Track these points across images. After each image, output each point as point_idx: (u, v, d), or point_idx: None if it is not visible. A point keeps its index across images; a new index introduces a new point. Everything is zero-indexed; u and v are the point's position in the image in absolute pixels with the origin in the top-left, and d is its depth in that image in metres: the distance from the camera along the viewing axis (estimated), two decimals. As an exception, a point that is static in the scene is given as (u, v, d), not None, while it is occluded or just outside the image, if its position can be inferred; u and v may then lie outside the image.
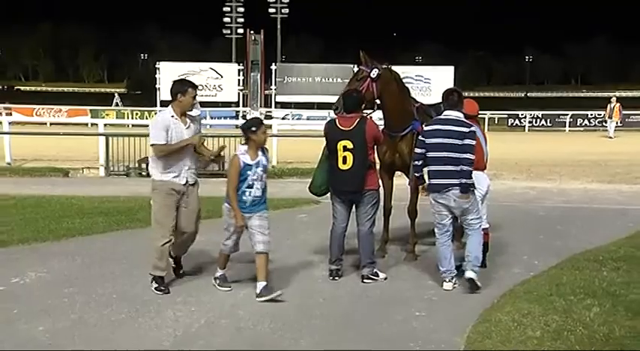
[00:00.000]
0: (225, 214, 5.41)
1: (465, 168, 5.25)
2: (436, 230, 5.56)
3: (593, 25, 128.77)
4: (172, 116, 5.30)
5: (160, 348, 4.19)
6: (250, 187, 5.21)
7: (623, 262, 6.01)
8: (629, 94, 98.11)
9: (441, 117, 5.53)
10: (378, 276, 5.69)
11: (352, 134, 5.45)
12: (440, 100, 5.72)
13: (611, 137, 26.21)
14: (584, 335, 4.21)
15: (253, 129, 5.23)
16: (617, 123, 27.26)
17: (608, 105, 27.22)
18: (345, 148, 5.46)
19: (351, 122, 5.50)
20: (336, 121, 5.61)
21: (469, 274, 5.41)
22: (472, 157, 5.29)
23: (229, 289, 5.38)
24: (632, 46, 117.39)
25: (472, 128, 5.37)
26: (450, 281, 5.46)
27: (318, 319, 4.73)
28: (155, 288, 5.31)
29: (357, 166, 5.45)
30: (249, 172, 5.18)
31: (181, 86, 5.34)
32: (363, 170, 5.48)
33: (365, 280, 5.63)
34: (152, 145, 5.32)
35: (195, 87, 5.43)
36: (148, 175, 13.26)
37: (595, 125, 32.95)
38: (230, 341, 4.31)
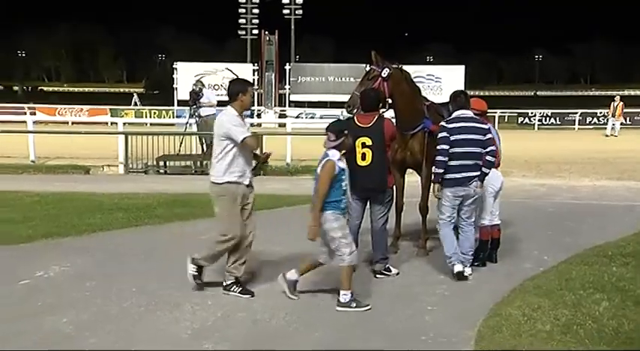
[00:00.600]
0: (330, 220, 4.96)
1: (490, 159, 5.62)
2: (443, 224, 5.72)
3: (600, 26, 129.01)
4: (237, 115, 5.24)
5: (178, 340, 4.32)
6: (344, 193, 4.99)
7: (631, 257, 6.06)
8: (637, 92, 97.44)
9: (462, 115, 5.71)
10: (390, 271, 5.80)
11: (371, 131, 5.55)
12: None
13: (610, 135, 26.33)
14: (593, 329, 4.27)
15: (346, 132, 5.05)
16: (621, 122, 27.60)
17: (612, 103, 27.44)
18: (364, 145, 5.54)
19: (369, 120, 5.60)
20: (355, 118, 5.72)
21: (468, 270, 5.73)
22: (494, 148, 5.69)
23: (296, 298, 5.14)
24: (638, 47, 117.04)
25: (488, 125, 5.74)
26: (459, 263, 5.66)
27: (331, 312, 4.83)
28: (240, 292, 5.21)
29: (377, 162, 5.54)
30: (343, 177, 4.95)
31: (242, 86, 5.29)
32: (383, 167, 5.58)
33: (378, 276, 5.74)
34: (244, 139, 5.11)
35: (252, 85, 5.39)
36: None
37: (604, 124, 32.82)
38: (246, 333, 4.43)
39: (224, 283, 5.30)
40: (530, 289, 5.23)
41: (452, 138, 5.59)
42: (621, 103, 27.01)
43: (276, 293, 5.27)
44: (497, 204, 6.12)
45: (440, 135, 5.68)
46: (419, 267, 6.11)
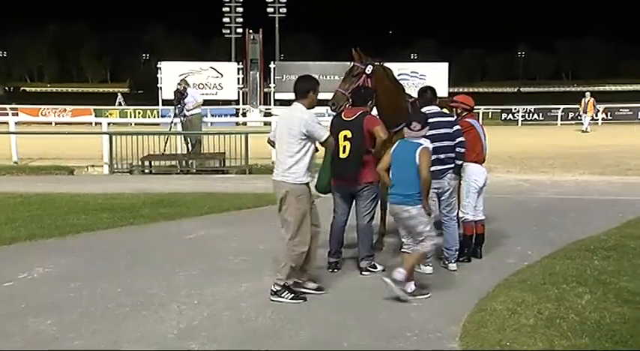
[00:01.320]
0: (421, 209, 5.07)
1: (460, 150, 5.77)
2: None
3: (582, 23, 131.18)
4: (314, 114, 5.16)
5: (164, 340, 4.31)
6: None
7: (613, 251, 6.14)
8: (618, 88, 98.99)
9: (430, 111, 5.80)
10: (376, 268, 5.82)
11: (352, 124, 5.60)
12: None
13: (585, 131, 26.58)
14: (575, 322, 4.33)
15: (428, 122, 5.26)
16: (592, 117, 27.93)
17: (583, 100, 27.74)
18: (345, 138, 5.60)
19: (353, 113, 5.67)
20: (342, 113, 5.77)
21: (453, 266, 5.87)
22: (463, 139, 5.82)
23: (428, 295, 5.11)
24: (619, 43, 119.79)
25: (452, 117, 5.97)
26: (430, 266, 5.79)
27: (317, 310, 4.84)
28: (292, 298, 5.03)
29: (354, 154, 5.57)
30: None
31: (312, 84, 5.19)
32: (359, 160, 5.60)
33: (363, 273, 5.76)
34: (328, 139, 5.06)
35: (318, 83, 5.30)
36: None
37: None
38: (232, 333, 4.42)
39: (272, 289, 5.08)
40: (514, 284, 5.28)
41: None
42: (592, 99, 27.35)
43: (262, 292, 5.27)
44: (481, 200, 6.17)
45: None
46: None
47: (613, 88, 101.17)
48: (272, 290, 5.09)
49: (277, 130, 5.20)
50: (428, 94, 6.00)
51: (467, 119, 6.13)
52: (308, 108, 5.12)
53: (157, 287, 5.37)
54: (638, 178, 12.24)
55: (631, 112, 35.77)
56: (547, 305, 4.65)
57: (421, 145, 5.07)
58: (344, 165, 5.61)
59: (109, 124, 15.96)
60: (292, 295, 5.06)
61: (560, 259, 5.93)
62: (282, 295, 5.04)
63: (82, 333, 4.39)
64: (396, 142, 5.28)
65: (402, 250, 5.29)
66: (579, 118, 29.57)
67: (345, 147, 5.61)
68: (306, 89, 5.14)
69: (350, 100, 5.89)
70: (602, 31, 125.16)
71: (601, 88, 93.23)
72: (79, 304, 4.94)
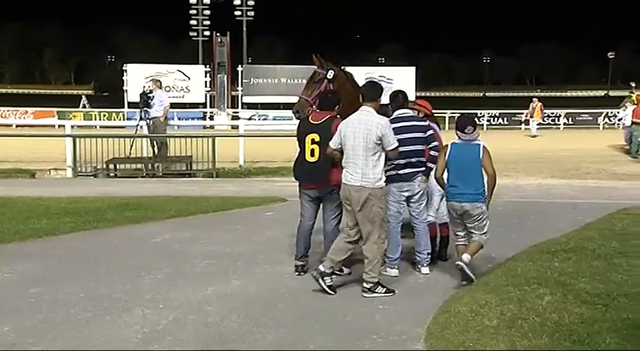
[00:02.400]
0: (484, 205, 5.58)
1: (434, 153, 5.83)
2: (391, 220, 5.80)
3: (546, 29, 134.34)
4: None
5: (128, 344, 4.25)
6: None
7: (572, 253, 6.27)
8: (579, 93, 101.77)
9: (402, 115, 5.90)
10: (342, 271, 5.84)
11: (320, 128, 5.61)
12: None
13: (534, 136, 26.80)
14: (536, 323, 4.40)
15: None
16: (539, 122, 28.30)
17: (530, 105, 28.14)
18: (312, 141, 5.61)
19: (321, 117, 5.68)
20: (309, 116, 5.78)
21: (426, 270, 5.93)
22: (437, 143, 5.89)
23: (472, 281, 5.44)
24: (580, 50, 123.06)
25: (425, 121, 6.01)
26: (396, 268, 5.87)
27: (284, 313, 4.84)
28: (385, 291, 5.27)
29: (323, 158, 5.59)
30: None
31: (379, 89, 5.46)
32: (328, 163, 5.62)
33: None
34: (396, 148, 5.29)
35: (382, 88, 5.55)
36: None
37: (549, 124, 34.08)
38: (197, 336, 4.39)
39: (365, 286, 5.25)
40: (478, 286, 5.35)
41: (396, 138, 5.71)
42: (539, 104, 27.77)
43: (228, 295, 5.25)
44: (444, 202, 6.25)
45: None
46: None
47: (574, 93, 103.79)
48: (365, 287, 5.25)
49: (350, 137, 5.23)
50: (399, 97, 6.04)
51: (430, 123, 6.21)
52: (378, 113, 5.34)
53: (121, 291, 5.30)
54: (597, 181, 12.59)
55: (591, 118, 36.72)
56: (509, 307, 4.73)
57: (481, 145, 5.55)
58: (313, 168, 5.63)
59: (72, 126, 15.67)
60: (385, 289, 5.28)
61: (522, 261, 6.03)
62: (376, 291, 5.24)
63: (41, 339, 4.30)
64: (449, 148, 5.58)
65: (458, 243, 5.68)
66: (526, 123, 29.95)
67: (313, 150, 5.62)
68: (376, 94, 5.38)
69: (314, 106, 5.90)
70: (565, 38, 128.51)
71: (562, 94, 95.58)
72: (39, 310, 4.84)
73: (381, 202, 5.32)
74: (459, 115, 6.15)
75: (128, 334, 4.41)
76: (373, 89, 5.47)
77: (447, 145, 5.65)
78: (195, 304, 5.04)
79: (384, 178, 5.30)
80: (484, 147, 5.53)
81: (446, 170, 5.63)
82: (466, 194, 5.46)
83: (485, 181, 5.56)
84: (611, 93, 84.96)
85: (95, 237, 7.34)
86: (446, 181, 5.62)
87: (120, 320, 4.67)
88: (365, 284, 5.26)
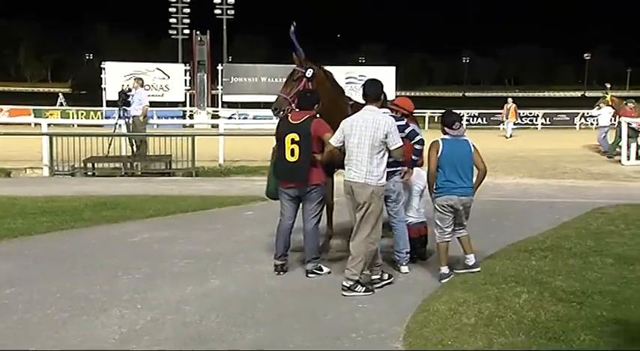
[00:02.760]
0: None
1: (418, 147, 5.90)
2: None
3: (525, 30, 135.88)
4: None
5: (105, 345, 4.22)
6: None
7: (549, 251, 6.37)
8: (556, 94, 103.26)
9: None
10: (322, 270, 5.85)
11: (299, 128, 5.61)
12: None
13: (508, 136, 26.46)
14: (513, 321, 4.47)
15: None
16: (514, 122, 28.00)
17: (505, 106, 27.74)
18: (292, 141, 5.60)
19: (300, 117, 5.67)
20: (289, 116, 5.76)
21: (405, 268, 5.95)
22: (422, 136, 5.95)
23: (447, 280, 5.57)
24: (558, 51, 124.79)
25: (403, 120, 5.97)
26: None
27: (263, 313, 4.83)
28: (365, 291, 5.26)
29: (303, 158, 5.60)
30: None
31: (381, 88, 5.52)
32: (307, 163, 5.63)
33: (309, 275, 5.78)
34: (400, 147, 5.31)
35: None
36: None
37: (527, 124, 34.47)
38: (175, 336, 4.37)
39: (345, 285, 5.23)
40: (456, 285, 5.40)
41: None
42: (514, 105, 27.52)
43: (207, 295, 5.23)
44: (422, 202, 6.30)
45: None
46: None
47: (551, 94, 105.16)
48: (344, 286, 5.23)
49: (355, 135, 5.22)
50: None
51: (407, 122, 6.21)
52: None
53: (99, 292, 5.24)
54: (574, 181, 12.77)
55: (568, 118, 37.23)
56: (487, 305, 4.78)
57: (469, 140, 5.72)
58: (294, 168, 5.63)
59: (49, 124, 15.47)
60: (364, 288, 5.27)
61: (500, 259, 6.11)
62: (356, 290, 5.22)
63: (17, 340, 4.25)
64: (441, 144, 5.61)
65: (444, 240, 5.74)
66: (502, 124, 29.40)
67: (293, 150, 5.61)
68: (379, 93, 5.40)
69: (293, 104, 5.90)
70: (543, 39, 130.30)
71: (540, 94, 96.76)
72: (14, 311, 4.77)
73: (381, 201, 5.36)
74: (444, 111, 6.22)
75: (105, 335, 4.37)
76: (374, 87, 5.44)
77: (437, 141, 5.68)
78: (173, 303, 5.01)
79: (385, 177, 5.33)
80: (473, 143, 5.68)
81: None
82: (464, 188, 5.61)
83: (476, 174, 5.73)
84: (588, 94, 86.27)
85: (72, 237, 7.25)
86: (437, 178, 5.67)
87: (97, 320, 4.62)
88: (345, 282, 5.27)
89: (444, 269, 5.65)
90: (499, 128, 33.33)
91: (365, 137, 5.21)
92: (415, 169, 6.11)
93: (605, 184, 12.25)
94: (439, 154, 5.60)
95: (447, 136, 5.66)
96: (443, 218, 5.69)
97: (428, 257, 6.32)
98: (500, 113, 32.65)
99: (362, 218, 5.27)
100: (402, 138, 5.77)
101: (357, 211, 5.30)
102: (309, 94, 5.86)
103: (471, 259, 5.78)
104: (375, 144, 5.21)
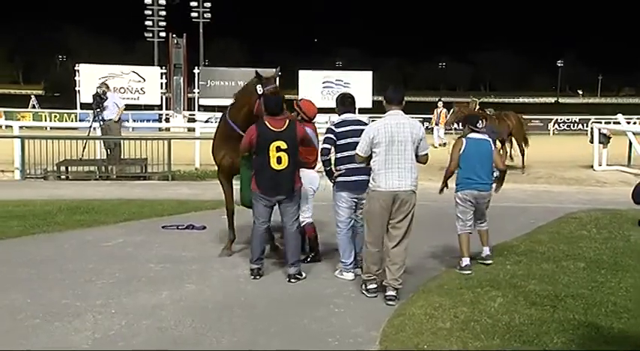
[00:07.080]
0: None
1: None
2: (342, 226, 5.80)
3: (500, 36, 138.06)
4: None
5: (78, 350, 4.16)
6: None
7: (524, 256, 6.47)
8: (530, 100, 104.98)
9: (349, 119, 5.87)
10: (301, 275, 5.81)
11: (285, 135, 5.56)
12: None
13: (440, 145, 22.40)
14: (488, 324, 4.52)
15: None
16: (445, 129, 22.69)
17: (435, 110, 24.11)
18: (279, 149, 5.54)
19: (281, 124, 5.61)
20: (266, 122, 5.64)
21: (349, 275, 5.88)
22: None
23: (470, 272, 5.83)
24: (533, 57, 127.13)
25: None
26: (351, 272, 5.85)
27: (239, 317, 4.80)
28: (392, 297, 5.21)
29: (292, 166, 5.59)
30: None
31: (402, 92, 5.43)
32: (295, 170, 5.65)
33: (291, 280, 5.71)
34: (427, 153, 5.35)
35: None
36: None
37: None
38: (150, 341, 4.32)
39: (393, 294, 5.15)
40: (432, 289, 5.44)
41: (340, 142, 5.70)
42: (444, 110, 23.34)
43: (183, 299, 5.18)
44: (311, 203, 6.33)
45: (326, 135, 5.83)
46: (326, 270, 6.17)
47: (526, 100, 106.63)
48: (392, 295, 5.14)
49: (393, 141, 5.05)
50: (349, 100, 6.01)
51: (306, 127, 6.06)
52: None
53: (72, 297, 5.16)
54: (547, 185, 12.95)
55: (542, 124, 37.71)
56: (463, 309, 4.83)
57: (490, 141, 6.19)
58: (281, 177, 5.57)
59: (20, 127, 15.20)
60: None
61: (475, 264, 6.16)
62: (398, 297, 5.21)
63: (-14, 347, 4.16)
64: (464, 142, 6.04)
65: (465, 231, 6.06)
66: (431, 129, 23.91)
67: (280, 158, 5.55)
68: (402, 97, 5.31)
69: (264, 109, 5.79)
70: (518, 46, 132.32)
71: (515, 100, 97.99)
72: (-16, 317, 4.68)
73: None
74: (466, 115, 6.92)
75: (78, 341, 4.30)
76: (398, 92, 5.30)
77: (461, 140, 6.13)
78: (148, 308, 4.95)
79: None
80: (492, 143, 6.18)
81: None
82: (485, 184, 6.06)
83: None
84: (561, 100, 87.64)
85: (44, 241, 7.13)
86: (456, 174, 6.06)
87: (70, 326, 4.55)
88: (391, 291, 5.15)
89: (466, 260, 5.92)
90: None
91: (407, 143, 5.08)
92: (308, 171, 6.14)
93: (578, 190, 12.46)
94: (461, 151, 6.03)
95: (471, 136, 6.08)
96: (464, 211, 6.07)
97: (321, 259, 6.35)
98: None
99: (408, 226, 5.18)
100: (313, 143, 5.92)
101: (399, 219, 5.13)
102: (274, 98, 5.80)
103: (485, 251, 6.17)
104: (411, 149, 5.10)
